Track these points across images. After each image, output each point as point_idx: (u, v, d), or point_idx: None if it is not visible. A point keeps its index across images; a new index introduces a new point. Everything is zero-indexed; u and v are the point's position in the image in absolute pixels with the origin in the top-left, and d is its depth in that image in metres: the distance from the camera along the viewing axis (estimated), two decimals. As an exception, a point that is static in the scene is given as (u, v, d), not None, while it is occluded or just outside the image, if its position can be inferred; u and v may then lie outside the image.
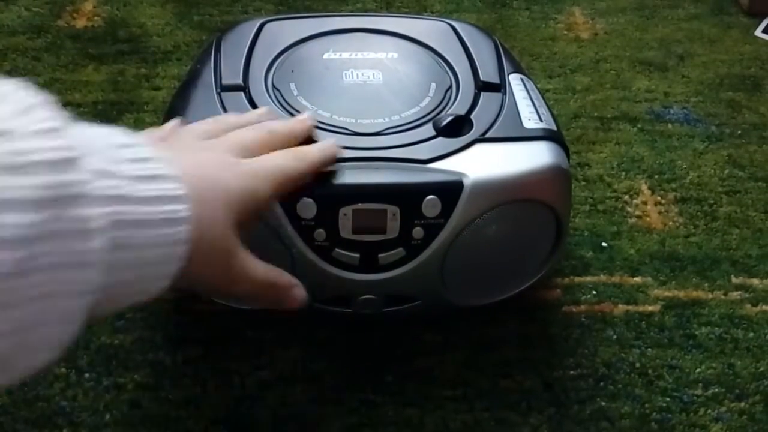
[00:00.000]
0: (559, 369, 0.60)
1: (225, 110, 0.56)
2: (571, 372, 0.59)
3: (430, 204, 0.51)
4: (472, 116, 0.57)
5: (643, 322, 0.64)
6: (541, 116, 0.58)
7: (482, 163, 0.53)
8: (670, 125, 0.86)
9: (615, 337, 0.62)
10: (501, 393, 0.58)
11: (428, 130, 0.55)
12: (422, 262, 0.53)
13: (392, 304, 0.57)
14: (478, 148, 0.54)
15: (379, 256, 0.53)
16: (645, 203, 0.75)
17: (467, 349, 0.61)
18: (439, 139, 0.55)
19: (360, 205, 0.51)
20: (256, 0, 1.05)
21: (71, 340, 0.32)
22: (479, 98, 0.59)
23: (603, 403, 0.57)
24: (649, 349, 0.61)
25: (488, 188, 0.52)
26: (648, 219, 0.73)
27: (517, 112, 0.58)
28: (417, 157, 0.53)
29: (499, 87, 0.60)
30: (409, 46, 0.64)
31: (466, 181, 0.52)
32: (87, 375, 0.57)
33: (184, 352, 0.59)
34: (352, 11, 1.04)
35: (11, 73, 0.89)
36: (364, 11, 1.04)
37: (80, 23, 0.99)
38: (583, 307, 0.64)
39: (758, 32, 1.04)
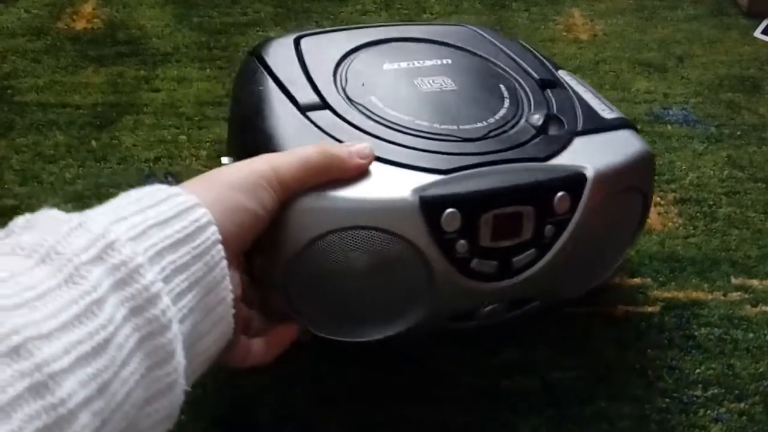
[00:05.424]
0: (559, 369, 0.60)
1: (320, 128, 0.53)
2: (571, 373, 0.59)
3: (561, 200, 0.51)
4: (555, 113, 0.57)
5: (643, 323, 0.64)
6: (609, 106, 0.59)
7: (593, 155, 0.54)
8: (669, 126, 0.86)
9: (615, 337, 0.62)
10: (501, 394, 0.58)
11: (526, 129, 0.55)
12: (549, 260, 0.53)
13: (514, 309, 0.56)
14: (579, 141, 0.55)
15: (513, 260, 0.52)
16: (644, 204, 0.75)
17: (467, 349, 0.61)
18: (541, 137, 0.55)
19: (499, 210, 0.50)
20: (255, 2, 1.05)
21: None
22: (548, 95, 0.60)
23: (603, 404, 0.57)
24: (649, 350, 0.61)
25: (606, 179, 0.53)
26: (648, 220, 0.73)
27: (589, 105, 0.59)
28: (535, 155, 0.53)
29: (557, 83, 0.61)
30: (454, 52, 0.64)
31: (588, 174, 0.52)
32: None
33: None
34: (351, 12, 1.04)
35: (11, 74, 0.89)
36: (363, 12, 1.04)
37: (80, 25, 0.99)
38: (582, 308, 0.64)
39: (757, 33, 1.04)
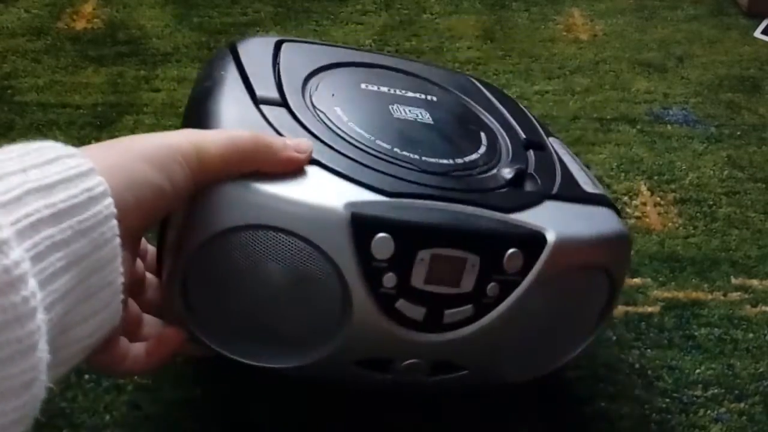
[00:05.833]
0: (559, 370, 0.59)
1: (270, 124, 0.48)
2: (571, 373, 0.59)
3: (513, 257, 0.46)
4: (532, 172, 0.52)
5: (643, 323, 0.64)
6: (593, 181, 0.55)
7: (559, 221, 0.48)
8: (669, 126, 0.86)
9: (614, 338, 0.62)
10: (500, 394, 0.58)
11: (494, 179, 0.50)
12: (488, 324, 0.47)
13: (438, 373, 0.49)
14: (549, 204, 0.50)
15: (446, 312, 0.46)
16: (644, 204, 0.75)
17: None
18: (509, 189, 0.50)
19: (440, 250, 0.45)
20: (255, 2, 1.05)
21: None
22: (530, 155, 0.54)
23: (602, 404, 0.57)
24: (649, 350, 0.61)
25: (569, 249, 0.47)
26: (647, 220, 0.73)
27: (571, 174, 0.54)
28: (495, 204, 0.47)
29: (544, 146, 0.56)
30: (443, 92, 0.59)
31: (550, 238, 0.47)
32: (87, 376, 0.57)
33: (182, 353, 0.59)
34: (351, 12, 1.04)
35: (11, 74, 0.89)
36: (363, 12, 1.04)
37: (80, 25, 0.99)
38: (582, 308, 0.64)
39: (757, 33, 1.04)
